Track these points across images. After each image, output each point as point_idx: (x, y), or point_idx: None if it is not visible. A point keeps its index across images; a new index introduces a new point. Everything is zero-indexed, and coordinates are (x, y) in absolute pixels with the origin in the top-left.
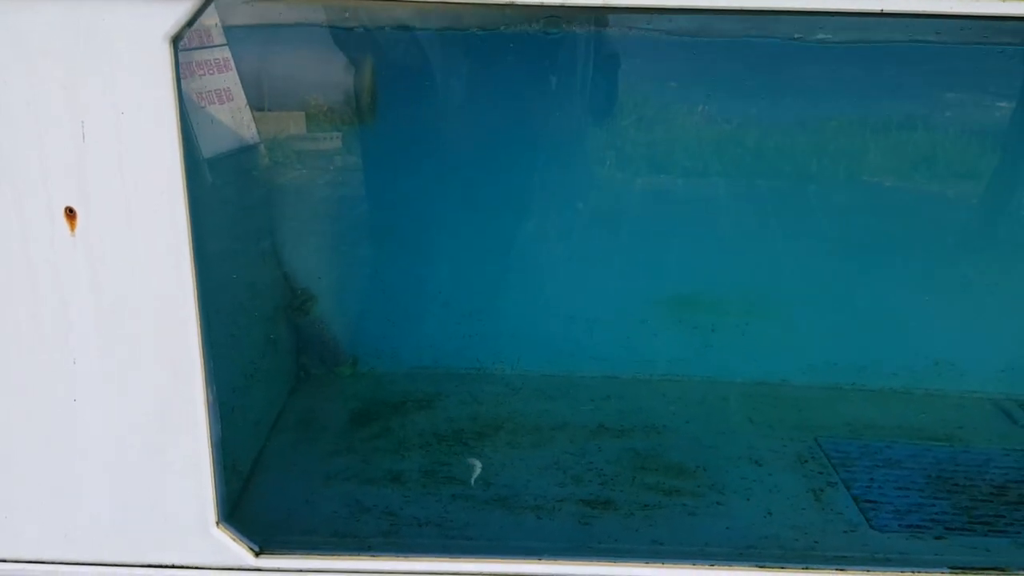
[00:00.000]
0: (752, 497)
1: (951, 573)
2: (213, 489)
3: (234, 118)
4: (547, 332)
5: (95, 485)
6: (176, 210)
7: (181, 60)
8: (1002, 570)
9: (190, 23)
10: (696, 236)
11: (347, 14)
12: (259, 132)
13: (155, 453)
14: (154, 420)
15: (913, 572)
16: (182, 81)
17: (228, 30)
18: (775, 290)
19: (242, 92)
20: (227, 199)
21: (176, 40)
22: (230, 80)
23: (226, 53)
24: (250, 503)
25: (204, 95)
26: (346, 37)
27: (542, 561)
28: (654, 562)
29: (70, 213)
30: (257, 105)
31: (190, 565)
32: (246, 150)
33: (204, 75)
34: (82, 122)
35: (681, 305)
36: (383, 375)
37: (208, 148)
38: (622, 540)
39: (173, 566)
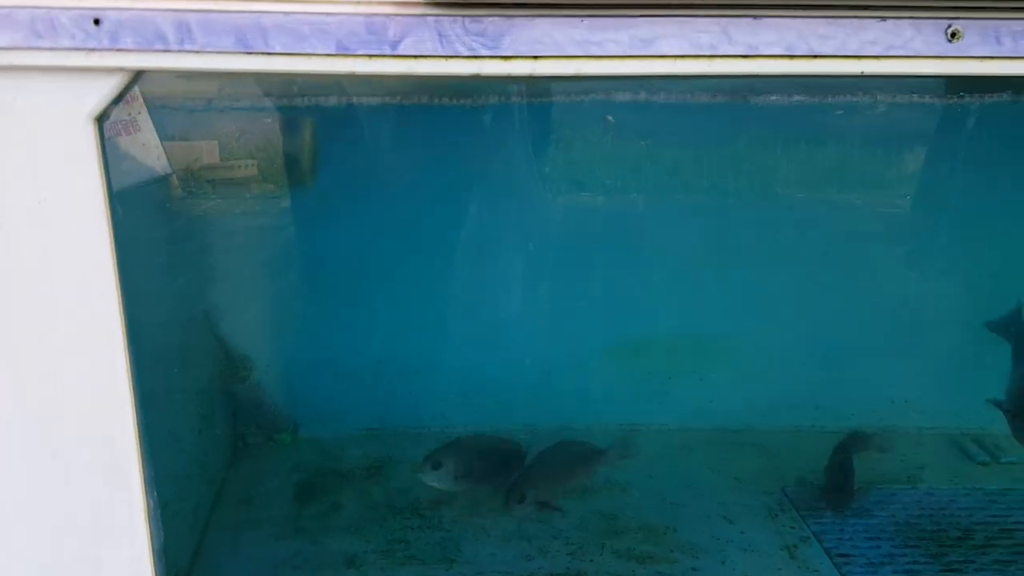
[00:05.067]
0: (727, 559)
1: None
2: None
3: (142, 150)
4: (497, 387)
5: None
6: (108, 300)
7: None
8: None
9: (116, 100)
10: (646, 284)
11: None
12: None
13: (91, 567)
14: (89, 531)
15: None
16: None
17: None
18: (730, 335)
19: (150, 124)
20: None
21: (101, 119)
22: (134, 110)
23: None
24: None
25: (107, 126)
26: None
27: None
28: None
29: None
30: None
31: None
32: (157, 182)
33: None
34: None
35: (635, 353)
36: (327, 441)
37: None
38: None
39: None
